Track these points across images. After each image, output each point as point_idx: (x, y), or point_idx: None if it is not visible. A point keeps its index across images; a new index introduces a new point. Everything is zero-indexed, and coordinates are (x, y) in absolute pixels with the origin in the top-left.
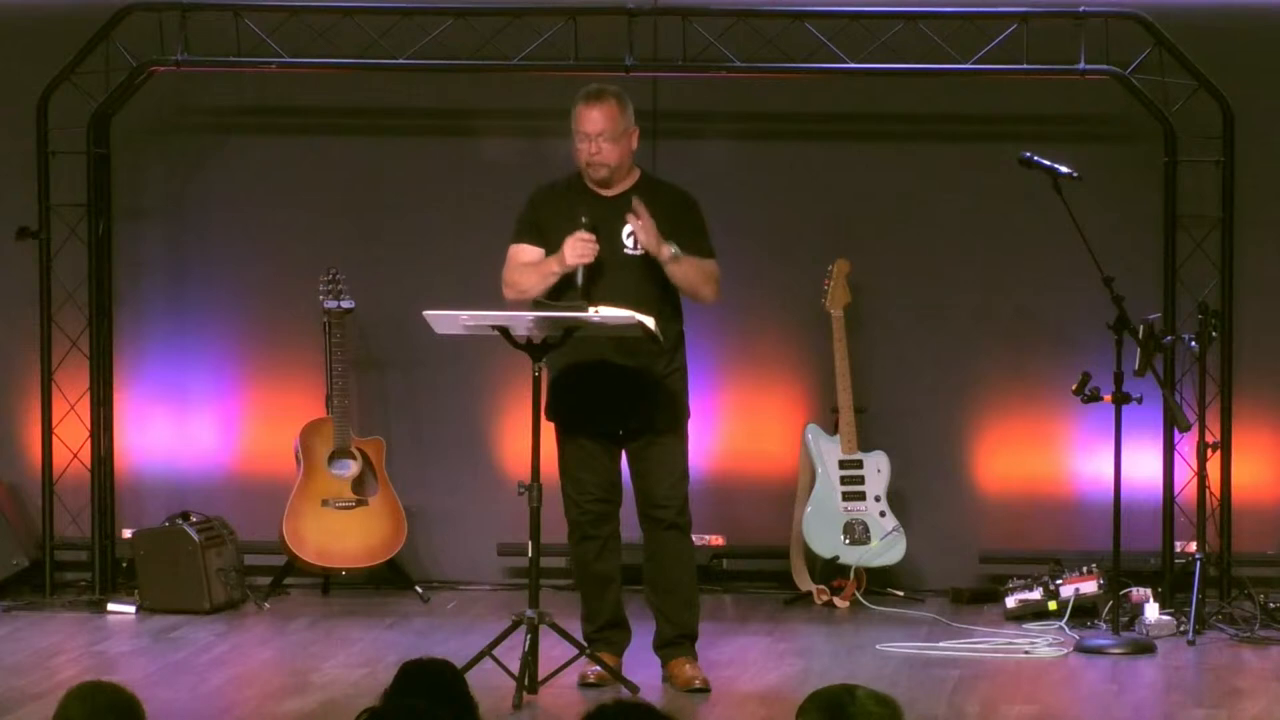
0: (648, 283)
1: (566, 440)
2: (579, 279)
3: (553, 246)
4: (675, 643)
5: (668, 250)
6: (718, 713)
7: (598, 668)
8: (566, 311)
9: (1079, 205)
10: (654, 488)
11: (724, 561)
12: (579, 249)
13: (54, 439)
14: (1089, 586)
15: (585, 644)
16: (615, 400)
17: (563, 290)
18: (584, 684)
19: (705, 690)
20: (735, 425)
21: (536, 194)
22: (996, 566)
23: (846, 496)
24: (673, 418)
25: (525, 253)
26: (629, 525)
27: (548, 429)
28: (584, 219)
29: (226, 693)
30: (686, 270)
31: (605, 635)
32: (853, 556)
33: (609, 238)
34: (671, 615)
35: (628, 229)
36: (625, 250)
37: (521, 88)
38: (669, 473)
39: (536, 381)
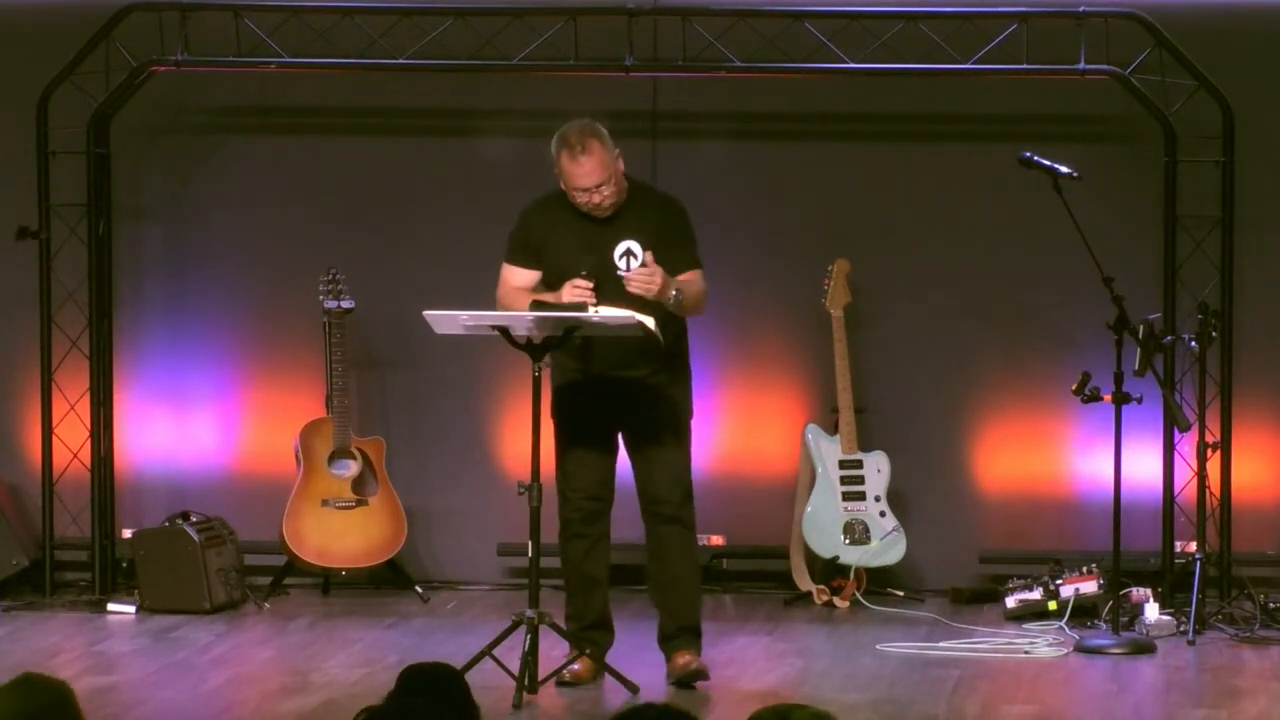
0: (641, 300)
1: (565, 438)
2: None
3: (547, 264)
4: (676, 635)
5: (671, 295)
6: (718, 713)
7: (576, 667)
8: (566, 311)
9: (1079, 205)
10: (653, 484)
11: (724, 561)
12: (577, 295)
13: (54, 439)
14: (1089, 586)
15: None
16: (616, 405)
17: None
18: (560, 683)
19: (701, 675)
20: (735, 425)
21: (529, 211)
22: (996, 566)
23: (846, 496)
24: (674, 418)
25: (516, 275)
26: (631, 524)
27: (547, 429)
28: (584, 272)
29: (226, 693)
30: (685, 302)
31: (590, 635)
32: (853, 556)
33: (602, 260)
34: (673, 609)
35: (620, 249)
36: (619, 272)
37: (521, 88)
38: (668, 469)
39: (537, 381)
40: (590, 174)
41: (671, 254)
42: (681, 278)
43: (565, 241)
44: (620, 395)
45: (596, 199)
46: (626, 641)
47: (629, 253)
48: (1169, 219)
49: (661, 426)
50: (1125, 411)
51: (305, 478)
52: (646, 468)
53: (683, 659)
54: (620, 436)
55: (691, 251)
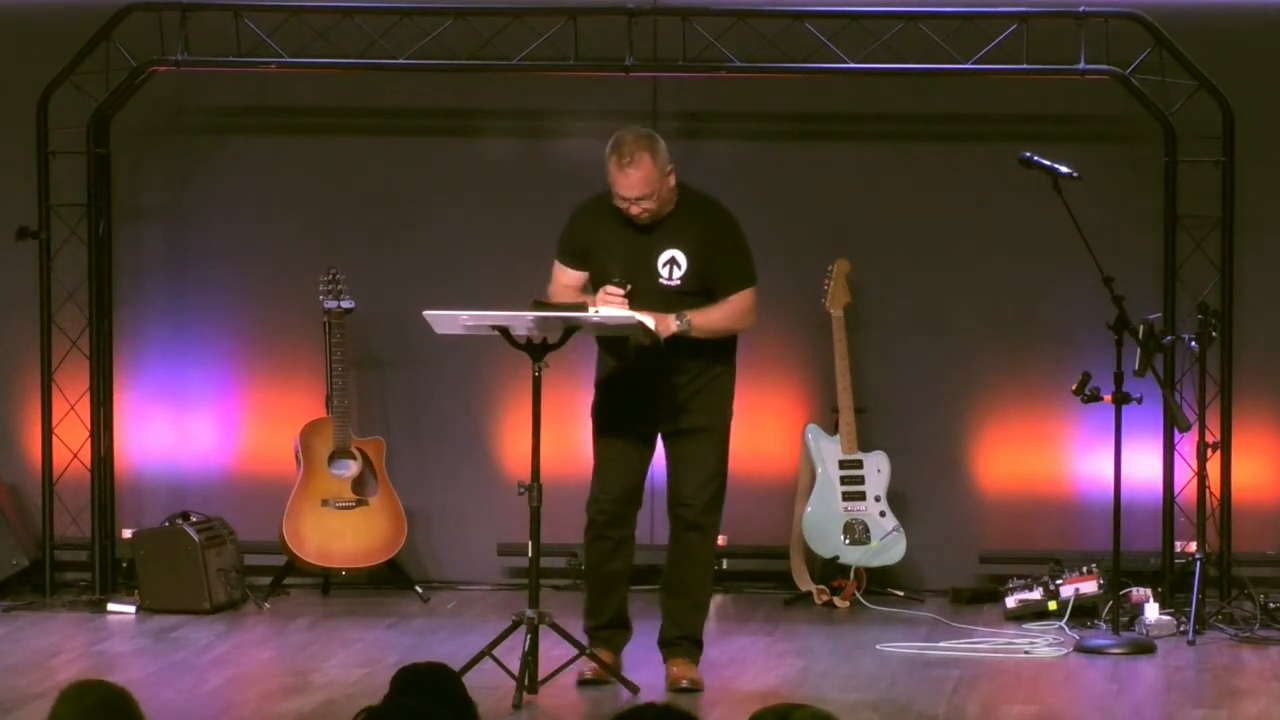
0: (678, 306)
1: (601, 439)
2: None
3: (593, 266)
4: (675, 643)
5: (677, 326)
6: (718, 713)
7: (595, 664)
8: (566, 311)
9: (1079, 205)
10: (681, 485)
11: (724, 561)
12: (609, 303)
13: (54, 439)
14: (1089, 586)
15: (585, 639)
16: (656, 405)
17: None
18: (582, 681)
19: (692, 690)
20: (735, 425)
21: (578, 211)
22: (996, 566)
23: (846, 496)
24: (712, 420)
25: (565, 274)
26: (641, 523)
27: (547, 429)
28: (616, 279)
29: (226, 693)
30: (707, 327)
31: (605, 634)
32: (853, 556)
33: (646, 268)
34: (677, 615)
35: (664, 258)
36: (661, 280)
37: (521, 88)
38: (699, 470)
39: (537, 381)
40: (633, 186)
41: (719, 272)
42: (730, 299)
43: (608, 246)
44: (661, 395)
45: (635, 210)
46: (628, 641)
47: (673, 261)
48: (1169, 219)
49: (698, 427)
50: (1125, 411)
51: (305, 478)
52: (678, 466)
53: (677, 669)
54: (660, 437)
55: (741, 268)
